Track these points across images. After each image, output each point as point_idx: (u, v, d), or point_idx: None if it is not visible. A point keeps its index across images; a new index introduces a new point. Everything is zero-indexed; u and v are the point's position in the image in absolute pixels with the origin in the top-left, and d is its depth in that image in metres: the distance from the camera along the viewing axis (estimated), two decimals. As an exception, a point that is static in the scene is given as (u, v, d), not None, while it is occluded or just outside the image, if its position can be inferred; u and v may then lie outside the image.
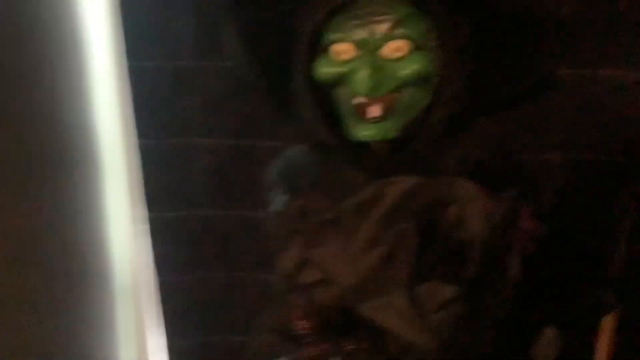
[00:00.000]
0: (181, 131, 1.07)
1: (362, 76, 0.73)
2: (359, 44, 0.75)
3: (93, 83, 1.07)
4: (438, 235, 0.70)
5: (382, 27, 0.74)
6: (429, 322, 0.69)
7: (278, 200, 0.79)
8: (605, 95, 0.91)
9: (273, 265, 1.10)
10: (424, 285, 0.69)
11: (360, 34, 0.74)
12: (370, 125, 0.76)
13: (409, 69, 0.74)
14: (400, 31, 0.74)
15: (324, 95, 0.79)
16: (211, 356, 1.20)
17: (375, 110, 0.75)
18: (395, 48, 0.74)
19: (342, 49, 0.76)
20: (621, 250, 0.71)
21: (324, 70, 0.77)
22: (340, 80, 0.77)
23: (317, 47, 0.78)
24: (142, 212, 1.13)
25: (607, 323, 0.74)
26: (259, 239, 1.11)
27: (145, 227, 1.14)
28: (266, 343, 0.84)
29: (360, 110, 0.77)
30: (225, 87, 1.04)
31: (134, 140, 1.09)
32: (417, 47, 0.74)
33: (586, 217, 0.85)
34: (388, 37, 0.74)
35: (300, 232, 0.77)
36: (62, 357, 1.00)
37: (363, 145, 0.78)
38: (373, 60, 0.74)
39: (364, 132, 0.77)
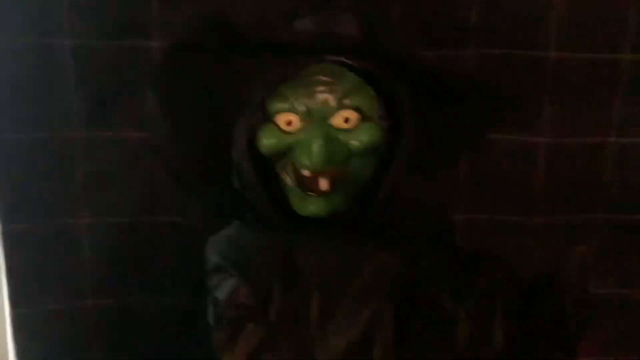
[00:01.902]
0: (62, 211, 0.93)
1: (315, 148, 0.69)
2: (307, 115, 0.71)
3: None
4: (417, 312, 0.67)
5: (331, 97, 0.71)
6: None
7: (225, 286, 0.71)
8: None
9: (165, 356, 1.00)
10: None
11: (309, 103, 0.71)
12: (318, 199, 0.73)
13: (359, 140, 0.72)
14: (349, 101, 0.72)
15: (265, 166, 0.74)
16: None
17: (323, 184, 0.72)
18: (344, 119, 0.71)
19: (289, 119, 0.72)
20: (568, 312, 0.75)
21: (269, 141, 0.72)
22: (284, 152, 0.73)
23: (258, 117, 0.73)
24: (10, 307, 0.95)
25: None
26: (155, 327, 0.99)
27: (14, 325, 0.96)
28: None
29: (306, 184, 0.73)
30: (115, 160, 0.92)
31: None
32: (365, 118, 0.73)
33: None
34: (338, 108, 0.71)
35: (255, 321, 0.69)
36: None
37: (309, 220, 0.74)
38: (325, 131, 0.70)
39: (310, 208, 0.73)
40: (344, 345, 0.66)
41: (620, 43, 0.94)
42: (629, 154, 0.99)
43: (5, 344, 1.00)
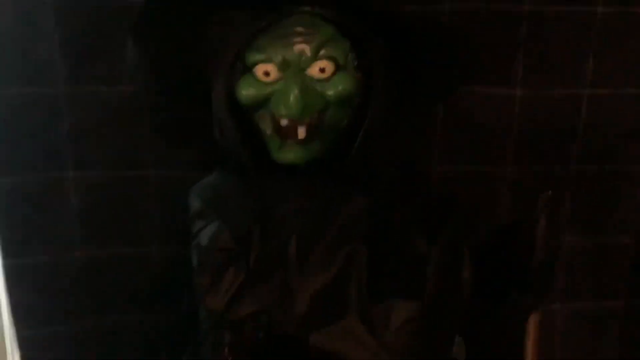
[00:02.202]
0: (49, 165, 0.96)
1: (292, 97, 0.72)
2: (284, 65, 0.73)
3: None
4: (391, 253, 0.70)
5: (307, 48, 0.73)
6: (387, 342, 0.69)
7: (207, 231, 0.74)
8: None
9: (152, 305, 1.03)
10: (380, 306, 0.70)
11: (285, 54, 0.73)
12: (295, 148, 0.76)
13: (334, 89, 0.74)
14: (324, 52, 0.74)
15: (243, 117, 0.77)
16: None
17: (300, 133, 0.75)
18: (320, 69, 0.74)
19: (266, 70, 0.74)
20: (538, 256, 0.78)
21: (248, 91, 0.75)
22: (262, 102, 0.75)
23: (237, 68, 0.75)
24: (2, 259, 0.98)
25: (533, 323, 0.80)
26: (143, 277, 1.02)
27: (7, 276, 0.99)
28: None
29: (284, 133, 0.76)
30: (100, 115, 0.95)
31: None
32: (340, 68, 0.75)
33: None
34: (313, 58, 0.73)
35: (235, 264, 0.72)
36: None
37: (287, 168, 0.77)
38: (301, 81, 0.73)
39: (288, 156, 0.76)
40: (321, 284, 0.70)
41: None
42: (601, 106, 1.02)
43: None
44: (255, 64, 0.73)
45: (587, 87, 1.01)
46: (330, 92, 0.74)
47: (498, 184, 1.02)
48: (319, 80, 0.73)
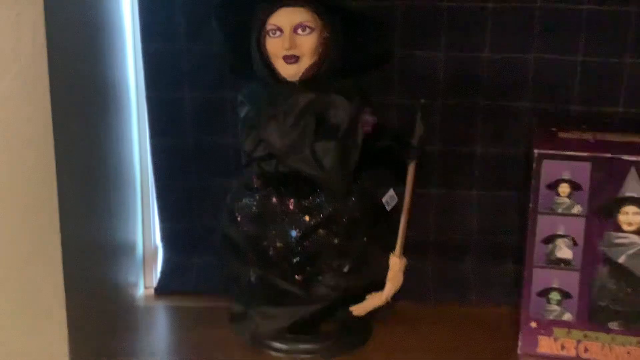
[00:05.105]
0: (177, 87, 1.77)
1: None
2: (284, 27, 1.45)
3: (124, 62, 1.77)
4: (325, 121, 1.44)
5: (297, 19, 1.45)
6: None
7: (245, 110, 1.51)
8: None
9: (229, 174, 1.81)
10: (319, 144, 1.43)
11: (285, 22, 1.45)
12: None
13: (309, 43, 1.46)
14: (306, 22, 1.46)
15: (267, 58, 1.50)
16: (190, 234, 1.90)
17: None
18: (302, 29, 1.46)
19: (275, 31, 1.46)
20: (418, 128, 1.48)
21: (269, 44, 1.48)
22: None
23: (263, 30, 1.48)
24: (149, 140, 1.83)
25: (411, 169, 1.50)
26: (223, 156, 1.82)
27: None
28: (240, 191, 1.55)
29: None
30: (205, 63, 1.75)
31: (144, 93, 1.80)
32: (312, 30, 1.46)
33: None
34: (299, 25, 1.46)
35: (256, 125, 1.47)
36: (96, 233, 1.64)
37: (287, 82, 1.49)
38: (291, 37, 1.45)
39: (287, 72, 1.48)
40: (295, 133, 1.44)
41: None
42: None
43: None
44: (271, 27, 1.47)
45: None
46: (306, 44, 1.46)
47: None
48: (301, 35, 1.46)
